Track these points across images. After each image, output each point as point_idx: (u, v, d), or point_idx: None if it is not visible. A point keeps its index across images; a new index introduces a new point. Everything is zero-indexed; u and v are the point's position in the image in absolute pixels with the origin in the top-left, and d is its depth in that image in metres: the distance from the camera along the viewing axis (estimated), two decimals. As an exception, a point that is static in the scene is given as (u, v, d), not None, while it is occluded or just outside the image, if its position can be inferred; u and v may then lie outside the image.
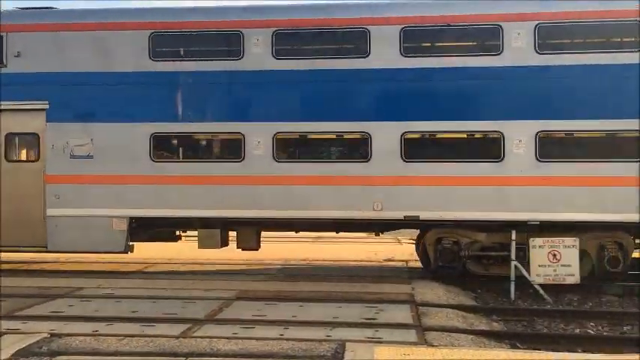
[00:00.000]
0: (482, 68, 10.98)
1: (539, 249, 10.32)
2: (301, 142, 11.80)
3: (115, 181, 11.68)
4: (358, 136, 11.38)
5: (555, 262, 10.27)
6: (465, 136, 11.33)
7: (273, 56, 11.35)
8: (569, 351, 7.18)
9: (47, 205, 11.79)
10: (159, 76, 11.66)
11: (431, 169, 11.11)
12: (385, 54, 11.18)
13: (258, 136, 11.33)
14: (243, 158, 11.42)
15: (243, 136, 11.39)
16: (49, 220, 11.77)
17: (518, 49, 10.81)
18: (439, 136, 11.43)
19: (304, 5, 12.10)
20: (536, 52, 10.76)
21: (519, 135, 10.76)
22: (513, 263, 10.46)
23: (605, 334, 8.74)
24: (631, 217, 10.54)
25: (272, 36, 11.32)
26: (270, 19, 11.49)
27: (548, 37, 10.97)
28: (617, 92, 10.63)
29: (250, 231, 11.95)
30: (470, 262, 11.38)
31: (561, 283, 10.32)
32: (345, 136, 11.62)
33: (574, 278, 10.22)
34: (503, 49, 10.86)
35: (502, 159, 10.83)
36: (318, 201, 11.26)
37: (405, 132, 11.08)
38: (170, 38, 11.91)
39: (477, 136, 11.32)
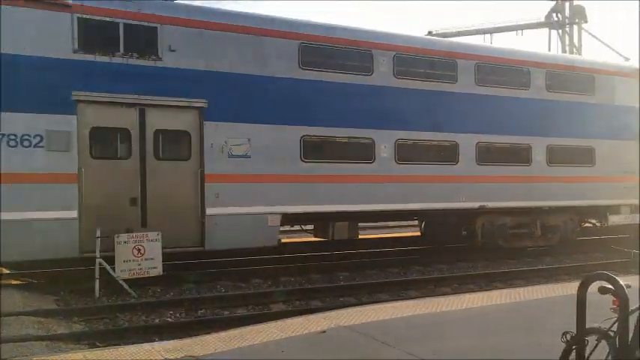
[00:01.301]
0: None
1: (124, 244, 10.40)
2: (414, 147, 13.86)
3: (270, 179, 12.11)
4: (450, 144, 14.25)
5: (140, 257, 10.52)
6: (509, 146, 15.15)
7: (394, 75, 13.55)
8: (147, 341, 7.38)
9: (206, 205, 11.41)
10: (307, 83, 12.56)
11: (494, 170, 14.71)
12: (466, 82, 14.44)
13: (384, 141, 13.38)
14: (374, 160, 13.26)
15: (373, 141, 13.26)
16: (208, 219, 11.44)
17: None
18: (498, 145, 14.92)
19: (422, 38, 15.30)
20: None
21: (538, 146, 15.42)
22: (98, 261, 10.29)
23: (182, 320, 9.36)
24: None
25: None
26: (393, 44, 13.59)
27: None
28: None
29: (355, 223, 13.52)
30: (500, 239, 15.11)
31: (145, 276, 10.64)
32: (442, 144, 14.21)
33: (157, 270, 10.66)
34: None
35: (530, 164, 15.28)
36: (433, 195, 13.91)
37: (478, 142, 14.55)
38: (317, 50, 12.82)
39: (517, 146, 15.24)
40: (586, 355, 4.22)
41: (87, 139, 10.78)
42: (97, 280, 10.27)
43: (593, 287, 4.20)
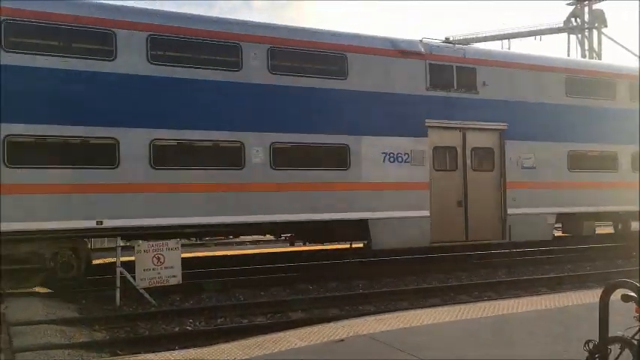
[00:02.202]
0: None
1: (144, 253, 10.50)
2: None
3: (548, 186, 15.03)
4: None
5: (159, 265, 10.61)
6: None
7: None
8: (167, 350, 7.42)
9: (507, 206, 14.48)
10: (571, 108, 15.52)
11: None
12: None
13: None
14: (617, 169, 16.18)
15: (616, 153, 16.20)
16: (508, 218, 14.44)
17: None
18: None
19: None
20: None
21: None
22: (119, 270, 10.39)
23: (202, 328, 9.39)
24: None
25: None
26: (629, 73, 16.66)
27: None
28: None
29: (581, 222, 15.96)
30: None
31: (165, 284, 10.72)
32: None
33: (176, 279, 10.74)
34: None
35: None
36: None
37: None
38: (579, 81, 15.91)
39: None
40: (609, 363, 4.16)
41: (432, 155, 14.01)
42: (118, 289, 10.38)
43: (616, 295, 4.14)
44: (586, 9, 49.86)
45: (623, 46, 71.56)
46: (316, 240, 13.95)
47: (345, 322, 7.95)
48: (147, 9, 11.72)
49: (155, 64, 11.28)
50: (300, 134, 12.41)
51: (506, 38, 51.50)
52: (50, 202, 10.35)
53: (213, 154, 11.71)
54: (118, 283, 10.40)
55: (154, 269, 10.58)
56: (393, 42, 13.85)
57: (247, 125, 11.94)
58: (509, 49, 46.36)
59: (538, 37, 51.30)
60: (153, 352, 7.28)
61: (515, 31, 51.52)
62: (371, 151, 13.12)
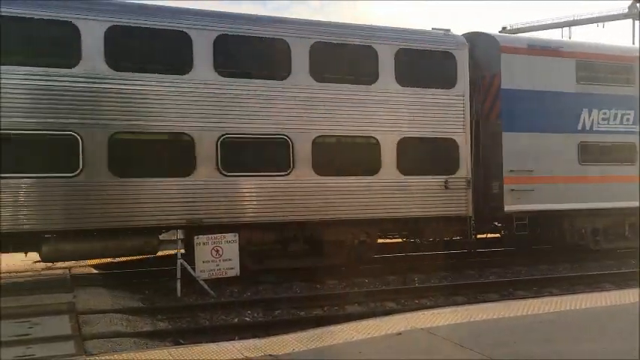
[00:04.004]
0: None
1: (204, 246, 10.76)
2: None
3: None
4: None
5: (218, 257, 10.86)
6: None
7: None
8: (227, 340, 7.59)
9: None
10: None
11: None
12: None
13: None
14: None
15: None
16: None
17: None
18: None
19: None
20: None
21: None
22: (179, 262, 10.70)
23: (260, 319, 9.58)
24: None
25: None
26: None
27: None
28: None
29: None
30: None
31: (223, 276, 10.96)
32: None
33: (234, 271, 10.97)
34: None
35: None
36: None
37: None
38: None
39: None
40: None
41: None
42: (179, 280, 10.69)
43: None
44: (652, -7, 47.54)
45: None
46: None
47: (402, 316, 7.94)
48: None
49: None
50: None
51: (566, 26, 49.81)
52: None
53: None
54: (179, 275, 10.71)
55: (212, 261, 10.84)
56: None
57: None
58: (570, 37, 44.82)
59: (600, 24, 49.32)
60: (214, 342, 7.48)
61: (577, 18, 49.72)
62: None
